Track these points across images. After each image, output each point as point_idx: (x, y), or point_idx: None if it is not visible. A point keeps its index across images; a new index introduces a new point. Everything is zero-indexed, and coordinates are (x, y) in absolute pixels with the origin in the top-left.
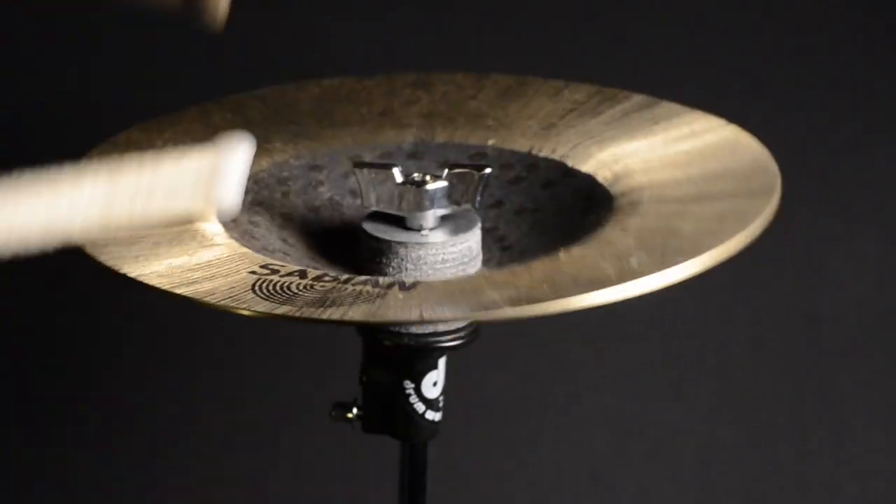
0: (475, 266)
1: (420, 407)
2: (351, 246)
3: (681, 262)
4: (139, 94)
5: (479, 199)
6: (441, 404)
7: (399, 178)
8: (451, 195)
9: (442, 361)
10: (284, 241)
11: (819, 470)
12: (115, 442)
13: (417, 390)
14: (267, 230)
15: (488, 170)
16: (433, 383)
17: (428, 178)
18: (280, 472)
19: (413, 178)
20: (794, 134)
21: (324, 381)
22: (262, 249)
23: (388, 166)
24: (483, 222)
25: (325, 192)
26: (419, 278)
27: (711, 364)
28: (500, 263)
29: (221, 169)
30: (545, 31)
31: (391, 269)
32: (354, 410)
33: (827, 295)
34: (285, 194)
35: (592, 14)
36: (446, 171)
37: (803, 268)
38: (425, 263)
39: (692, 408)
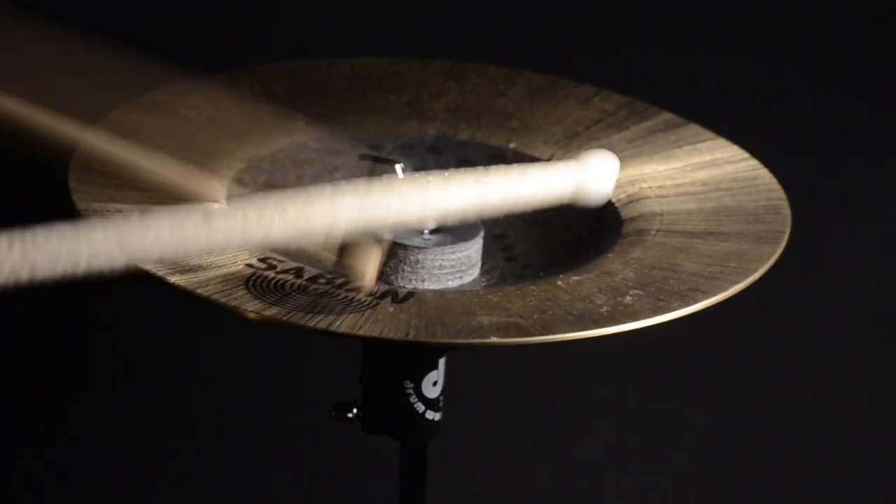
0: (473, 274)
1: (420, 407)
2: None
3: (674, 307)
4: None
5: None
6: (441, 404)
7: (401, 176)
8: None
9: (442, 361)
10: None
11: (819, 470)
12: (113, 441)
13: (417, 390)
14: None
15: None
16: (433, 383)
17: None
18: (280, 472)
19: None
20: (794, 134)
21: (324, 381)
22: None
23: (392, 162)
24: (492, 227)
25: (339, 179)
26: (412, 288)
27: (711, 364)
28: (503, 275)
29: (588, 180)
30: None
31: (388, 269)
32: (354, 410)
33: (827, 295)
34: (299, 177)
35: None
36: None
37: (803, 268)
38: (423, 268)
39: (692, 408)
